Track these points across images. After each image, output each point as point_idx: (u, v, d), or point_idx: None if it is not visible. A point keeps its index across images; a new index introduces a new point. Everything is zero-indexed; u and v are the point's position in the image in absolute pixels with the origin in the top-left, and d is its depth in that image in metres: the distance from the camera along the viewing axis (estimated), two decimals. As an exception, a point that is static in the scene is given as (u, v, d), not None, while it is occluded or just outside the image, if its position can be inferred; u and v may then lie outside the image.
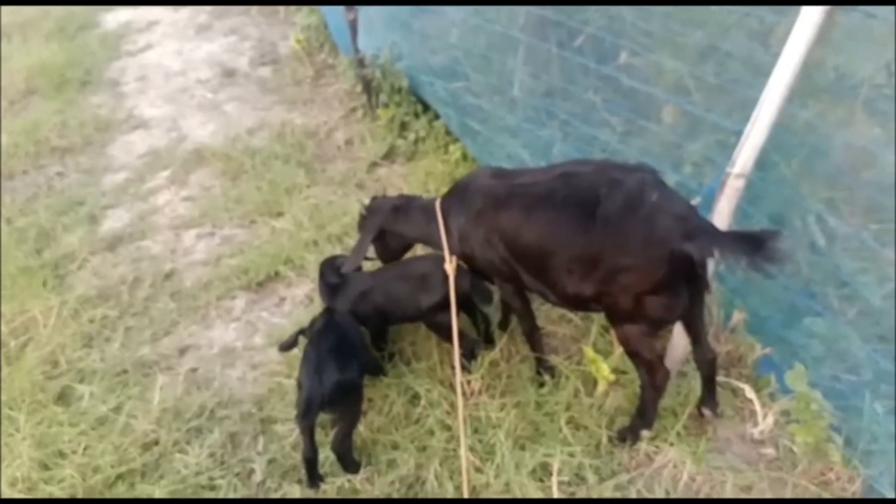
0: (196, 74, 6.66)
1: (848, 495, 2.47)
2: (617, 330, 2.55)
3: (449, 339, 2.85)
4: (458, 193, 2.90)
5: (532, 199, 2.57)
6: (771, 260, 2.06)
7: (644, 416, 2.68)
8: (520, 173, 2.77)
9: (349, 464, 2.76)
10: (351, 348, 2.83)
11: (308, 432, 2.65)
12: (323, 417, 2.82)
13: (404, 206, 3.14)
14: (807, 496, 2.48)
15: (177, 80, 6.63)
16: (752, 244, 2.07)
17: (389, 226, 3.15)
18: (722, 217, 2.55)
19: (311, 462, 2.70)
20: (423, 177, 4.57)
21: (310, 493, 2.71)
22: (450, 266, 2.82)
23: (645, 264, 2.32)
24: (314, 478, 2.72)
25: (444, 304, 2.83)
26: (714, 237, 2.22)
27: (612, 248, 2.35)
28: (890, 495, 2.36)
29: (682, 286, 2.40)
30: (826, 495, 2.47)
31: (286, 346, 2.96)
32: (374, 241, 3.19)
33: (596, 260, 2.39)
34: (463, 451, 2.55)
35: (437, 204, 2.94)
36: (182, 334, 3.65)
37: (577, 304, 2.63)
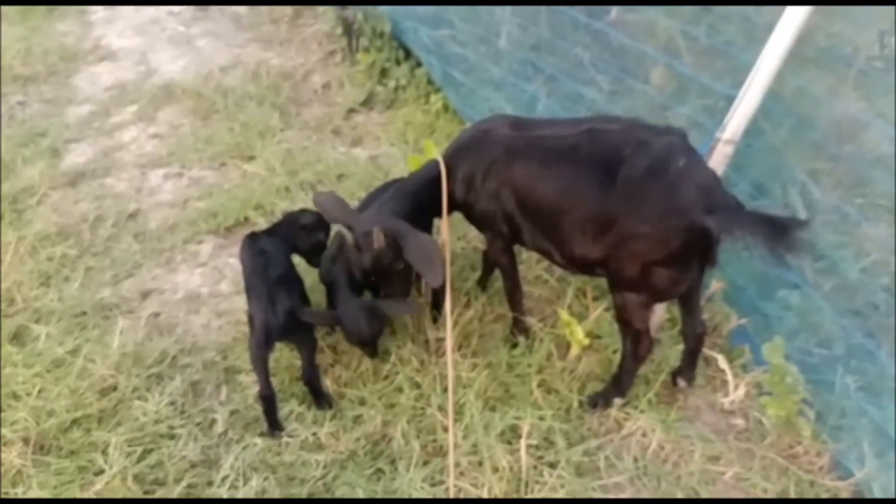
0: (168, 6, 6.38)
1: (815, 469, 2.47)
2: (616, 296, 2.47)
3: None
4: (470, 141, 2.72)
5: (553, 154, 2.45)
6: (792, 249, 2.01)
7: (619, 384, 2.64)
8: (541, 124, 2.62)
9: (320, 396, 2.74)
10: (293, 276, 2.85)
11: (263, 366, 2.60)
12: (273, 366, 2.83)
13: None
14: (774, 468, 2.48)
15: (147, 10, 6.37)
16: (776, 230, 2.01)
17: None
18: (709, 184, 2.48)
19: (269, 401, 2.64)
20: (402, 126, 4.45)
21: (272, 444, 2.65)
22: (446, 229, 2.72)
23: (660, 233, 2.24)
24: (274, 421, 2.67)
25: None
26: (737, 215, 2.14)
27: (629, 212, 2.26)
28: (857, 471, 2.36)
29: (693, 261, 2.33)
30: (793, 468, 2.46)
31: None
32: None
33: (610, 223, 2.31)
34: (450, 409, 2.50)
35: (441, 160, 2.74)
36: (145, 277, 3.52)
37: (582, 266, 2.55)
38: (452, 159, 2.71)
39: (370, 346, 2.80)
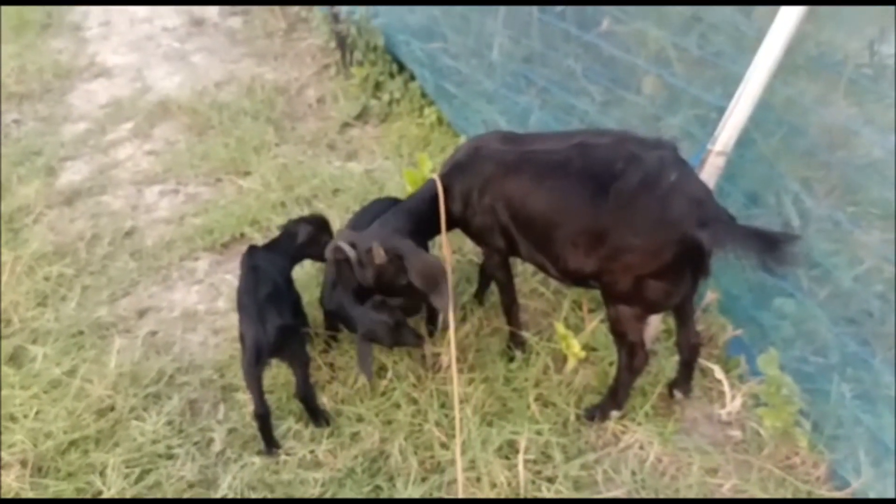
0: (162, 22, 6.41)
1: (812, 480, 2.47)
2: (609, 308, 2.48)
3: None
4: (464, 158, 2.72)
5: (544, 168, 2.46)
6: (783, 263, 2.02)
7: (616, 396, 2.65)
8: (533, 139, 2.64)
9: (316, 413, 2.74)
10: (287, 292, 2.85)
11: (256, 384, 2.59)
12: (271, 383, 2.85)
13: None
14: (772, 480, 2.48)
15: (142, 26, 6.38)
16: (767, 244, 2.02)
17: None
18: (701, 195, 2.49)
19: (264, 419, 2.64)
20: (397, 140, 4.46)
21: (270, 462, 2.65)
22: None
23: (652, 246, 2.25)
24: (270, 439, 2.67)
25: None
26: (729, 228, 2.15)
27: (622, 225, 2.27)
28: (853, 480, 2.36)
29: (686, 273, 2.34)
30: (791, 479, 2.46)
31: None
32: None
33: (603, 236, 2.32)
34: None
35: (437, 178, 2.74)
36: (142, 295, 3.53)
37: (576, 279, 2.56)
38: (449, 177, 2.73)
39: (405, 335, 2.73)
